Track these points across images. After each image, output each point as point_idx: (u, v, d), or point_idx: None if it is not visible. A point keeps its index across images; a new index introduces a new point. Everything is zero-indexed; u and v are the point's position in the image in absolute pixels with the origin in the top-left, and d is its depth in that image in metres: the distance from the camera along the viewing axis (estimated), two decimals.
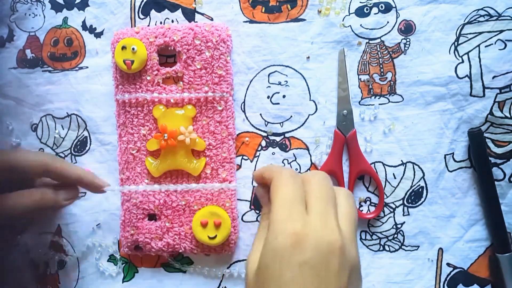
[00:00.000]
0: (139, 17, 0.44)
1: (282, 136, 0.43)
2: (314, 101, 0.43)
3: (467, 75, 0.42)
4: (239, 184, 0.43)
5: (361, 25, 0.43)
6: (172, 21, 0.44)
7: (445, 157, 0.42)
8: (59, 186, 0.40)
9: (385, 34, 0.42)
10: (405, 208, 0.42)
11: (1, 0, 0.45)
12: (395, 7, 0.42)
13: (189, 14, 0.44)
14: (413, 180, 0.42)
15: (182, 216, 0.42)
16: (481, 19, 0.41)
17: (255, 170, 0.43)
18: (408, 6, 0.42)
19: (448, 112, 0.42)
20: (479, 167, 0.41)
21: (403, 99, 0.42)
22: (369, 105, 0.43)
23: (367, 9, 0.43)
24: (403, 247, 0.42)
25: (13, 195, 0.38)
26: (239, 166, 0.44)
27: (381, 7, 0.42)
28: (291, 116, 0.43)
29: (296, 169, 0.43)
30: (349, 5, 0.43)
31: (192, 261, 0.44)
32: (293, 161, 0.43)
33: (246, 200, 0.43)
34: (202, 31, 0.42)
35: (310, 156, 0.43)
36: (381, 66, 0.42)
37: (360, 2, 0.43)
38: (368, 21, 0.42)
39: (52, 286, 0.45)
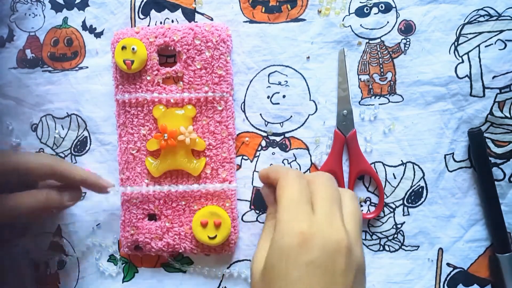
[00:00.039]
0: (139, 17, 0.44)
1: (282, 136, 0.43)
2: (314, 101, 0.43)
3: (467, 75, 0.42)
4: (239, 184, 0.43)
5: (361, 25, 0.43)
6: (172, 21, 0.44)
7: (445, 157, 0.42)
8: (63, 187, 0.40)
9: (385, 34, 0.42)
10: (405, 208, 0.42)
11: (1, 0, 0.45)
12: (395, 7, 0.42)
13: (189, 14, 0.44)
14: (413, 180, 0.42)
15: (182, 216, 0.42)
16: (481, 19, 0.41)
17: (255, 170, 0.43)
18: (408, 6, 0.42)
19: (448, 112, 0.42)
20: (479, 167, 0.41)
21: (403, 99, 0.42)
22: (369, 105, 0.43)
23: (367, 9, 0.43)
24: (403, 247, 0.42)
25: (18, 195, 0.38)
26: (239, 166, 0.44)
27: (381, 7, 0.42)
28: (291, 116, 0.43)
29: (296, 169, 0.43)
30: (349, 5, 0.43)
31: (192, 261, 0.44)
32: (293, 161, 0.43)
33: (246, 200, 0.43)
34: (202, 31, 0.42)
35: (310, 156, 0.43)
36: (381, 66, 0.42)
37: (360, 2, 0.43)
38: (368, 21, 0.42)
39: (52, 286, 0.45)
